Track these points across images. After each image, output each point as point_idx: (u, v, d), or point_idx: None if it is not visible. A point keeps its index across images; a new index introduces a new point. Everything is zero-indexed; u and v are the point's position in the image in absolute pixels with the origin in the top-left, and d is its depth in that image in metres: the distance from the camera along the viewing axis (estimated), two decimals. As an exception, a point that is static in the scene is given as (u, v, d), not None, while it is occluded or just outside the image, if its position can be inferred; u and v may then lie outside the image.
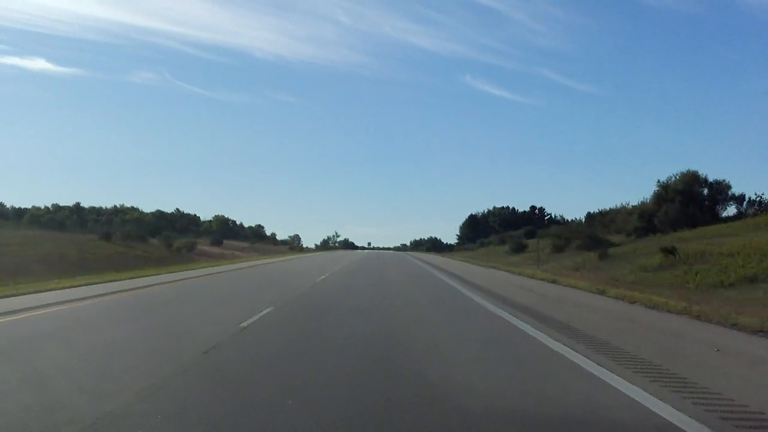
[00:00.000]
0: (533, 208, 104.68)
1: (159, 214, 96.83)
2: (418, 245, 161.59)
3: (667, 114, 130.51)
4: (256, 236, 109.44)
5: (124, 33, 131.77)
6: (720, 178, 43.46)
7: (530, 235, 67.67)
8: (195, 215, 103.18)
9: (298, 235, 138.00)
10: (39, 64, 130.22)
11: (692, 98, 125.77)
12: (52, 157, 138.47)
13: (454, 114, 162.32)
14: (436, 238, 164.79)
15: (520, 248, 55.37)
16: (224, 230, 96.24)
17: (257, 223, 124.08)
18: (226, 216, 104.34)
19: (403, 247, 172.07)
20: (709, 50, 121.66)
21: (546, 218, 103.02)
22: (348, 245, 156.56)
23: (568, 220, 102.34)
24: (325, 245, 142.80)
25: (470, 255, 69.80)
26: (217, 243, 73.42)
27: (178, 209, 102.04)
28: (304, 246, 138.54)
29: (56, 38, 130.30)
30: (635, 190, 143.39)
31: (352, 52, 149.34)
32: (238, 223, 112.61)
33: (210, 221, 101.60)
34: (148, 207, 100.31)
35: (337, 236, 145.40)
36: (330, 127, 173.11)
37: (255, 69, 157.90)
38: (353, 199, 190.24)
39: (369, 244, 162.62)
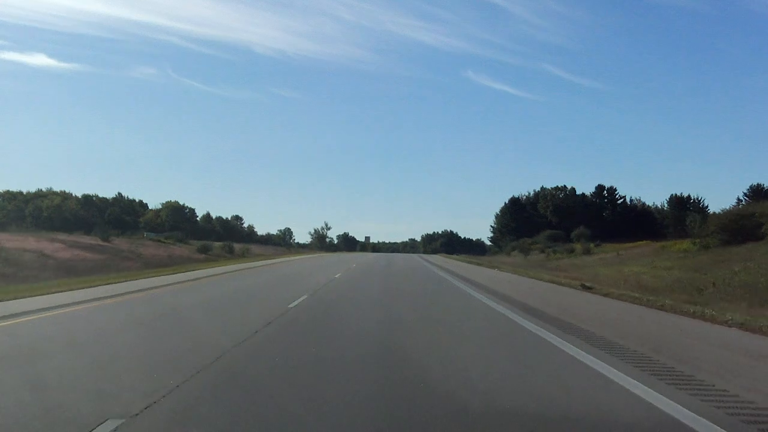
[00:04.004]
0: (600, 188, 76.44)
1: (85, 200, 69.80)
2: (431, 240, 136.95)
3: (670, 108, 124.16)
4: (227, 230, 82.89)
5: (125, 28, 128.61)
6: None
7: None
8: (140, 201, 76.27)
9: (289, 228, 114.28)
10: (40, 59, 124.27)
11: (695, 93, 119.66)
12: (52, 152, 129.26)
13: (456, 108, 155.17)
14: (452, 232, 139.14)
15: None
16: (175, 220, 69.03)
17: (235, 213, 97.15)
18: (181, 202, 76.52)
19: (411, 243, 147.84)
20: (712, 45, 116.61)
21: (619, 202, 75.81)
22: (348, 240, 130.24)
23: (648, 205, 75.41)
24: (321, 241, 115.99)
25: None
26: None
27: (120, 193, 75.14)
28: (295, 241, 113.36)
29: (57, 33, 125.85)
30: (637, 189, 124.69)
31: (353, 48, 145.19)
32: (205, 212, 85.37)
33: (159, 209, 74.15)
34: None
35: (328, 228, 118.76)
36: (332, 123, 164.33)
37: (256, 65, 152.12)
38: (356, 194, 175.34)
39: (367, 239, 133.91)
